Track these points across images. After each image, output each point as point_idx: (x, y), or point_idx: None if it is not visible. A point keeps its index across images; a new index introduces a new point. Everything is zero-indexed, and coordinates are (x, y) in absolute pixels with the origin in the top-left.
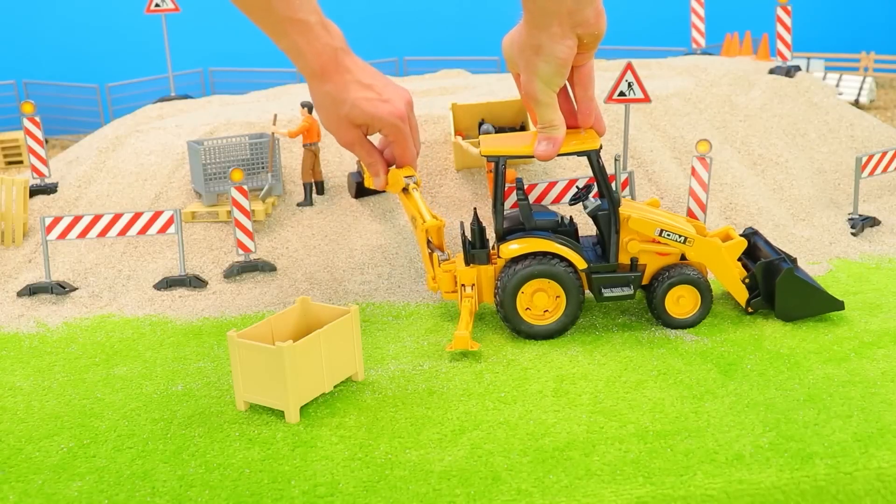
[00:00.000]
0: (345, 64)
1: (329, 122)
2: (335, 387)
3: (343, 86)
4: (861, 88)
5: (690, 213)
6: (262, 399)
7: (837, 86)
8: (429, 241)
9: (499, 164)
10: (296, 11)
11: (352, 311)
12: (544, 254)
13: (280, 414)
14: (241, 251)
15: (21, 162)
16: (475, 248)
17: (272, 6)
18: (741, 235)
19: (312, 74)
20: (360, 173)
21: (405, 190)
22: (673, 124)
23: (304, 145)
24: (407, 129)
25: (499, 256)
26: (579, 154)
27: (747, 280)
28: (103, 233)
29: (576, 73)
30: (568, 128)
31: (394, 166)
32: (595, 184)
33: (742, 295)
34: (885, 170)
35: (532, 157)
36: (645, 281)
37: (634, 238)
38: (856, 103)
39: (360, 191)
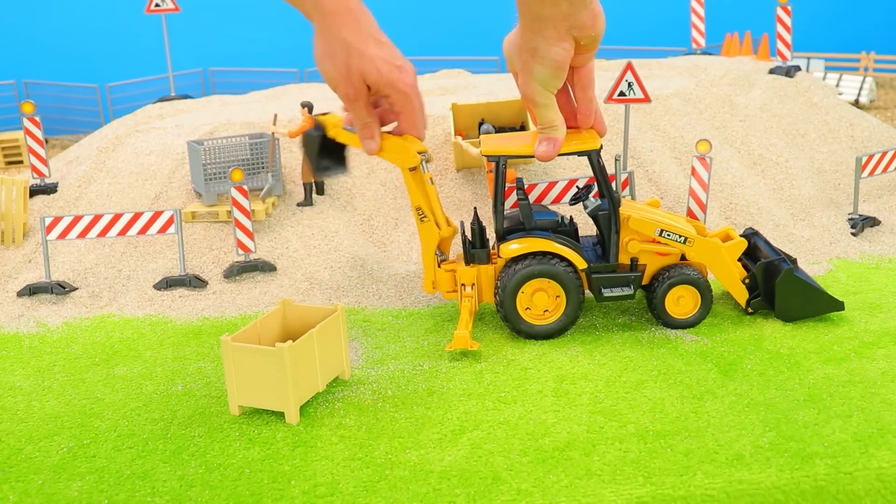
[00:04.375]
0: (362, 12)
1: (337, 70)
2: (334, 387)
3: (361, 36)
4: (861, 88)
5: (690, 213)
6: (259, 402)
7: (837, 86)
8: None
9: (499, 164)
10: None
11: (338, 309)
12: (544, 254)
13: (280, 414)
14: (241, 251)
15: (21, 162)
16: (475, 248)
17: None
18: (741, 236)
19: (328, 13)
20: (319, 127)
21: (412, 169)
22: (673, 124)
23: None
24: (418, 101)
25: (499, 256)
26: (580, 154)
27: (747, 280)
28: (103, 233)
29: (575, 74)
30: (568, 128)
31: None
32: (595, 184)
33: (742, 295)
34: (885, 170)
35: (532, 157)
36: (645, 281)
37: (635, 238)
38: (856, 103)
39: (324, 149)
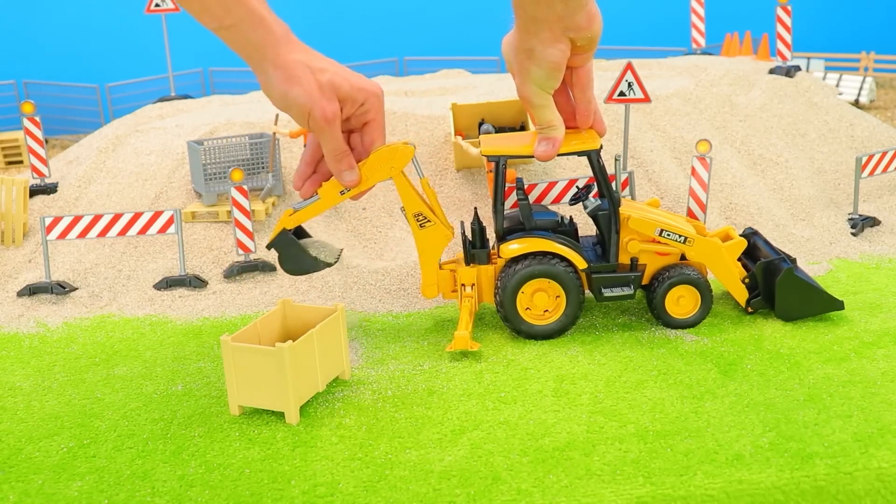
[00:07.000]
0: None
1: (307, 91)
2: (334, 387)
3: (315, 56)
4: (861, 88)
5: (690, 213)
6: (259, 402)
7: (837, 86)
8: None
9: (499, 164)
10: None
11: (338, 309)
12: (544, 254)
13: (280, 414)
14: (241, 251)
15: (21, 162)
16: (475, 248)
17: None
18: (741, 235)
19: (277, 43)
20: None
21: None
22: (673, 124)
23: (305, 146)
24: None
25: (499, 256)
26: (579, 154)
27: (747, 280)
28: (103, 233)
29: (574, 75)
30: (568, 128)
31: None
32: (595, 184)
33: (742, 295)
34: (885, 170)
35: (532, 157)
36: (645, 281)
37: (634, 238)
38: (856, 103)
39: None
